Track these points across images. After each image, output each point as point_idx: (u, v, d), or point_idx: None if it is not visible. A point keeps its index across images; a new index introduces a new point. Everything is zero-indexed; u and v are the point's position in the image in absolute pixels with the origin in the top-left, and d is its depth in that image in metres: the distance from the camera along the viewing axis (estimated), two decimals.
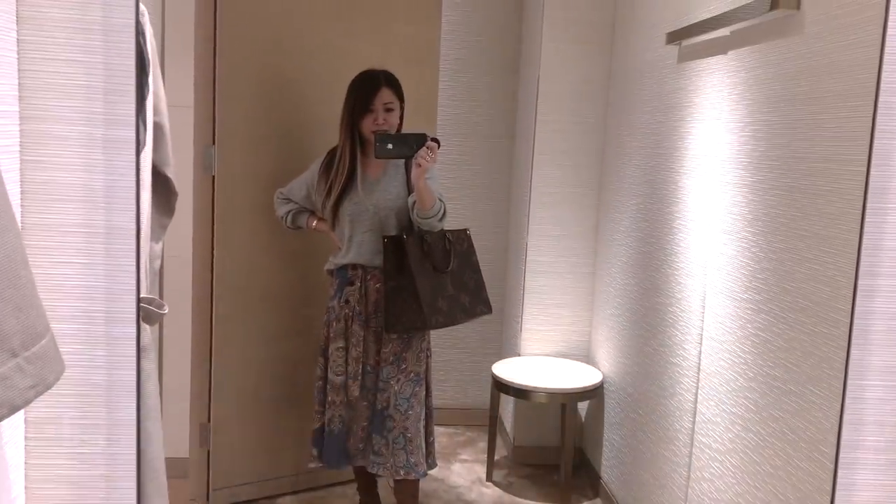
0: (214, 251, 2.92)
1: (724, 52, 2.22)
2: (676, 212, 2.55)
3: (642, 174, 2.90)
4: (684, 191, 2.49)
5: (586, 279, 3.49)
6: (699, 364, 2.32)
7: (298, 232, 2.84)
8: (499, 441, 3.56)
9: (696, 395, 2.34)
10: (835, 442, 1.58)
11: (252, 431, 3.06)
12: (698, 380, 2.33)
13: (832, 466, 1.57)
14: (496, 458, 3.45)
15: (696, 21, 2.35)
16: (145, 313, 1.46)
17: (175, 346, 3.09)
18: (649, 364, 2.76)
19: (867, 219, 1.37)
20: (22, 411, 1.22)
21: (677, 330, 2.50)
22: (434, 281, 2.58)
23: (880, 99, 1.39)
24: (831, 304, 1.63)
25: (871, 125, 1.41)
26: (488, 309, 2.76)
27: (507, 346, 3.82)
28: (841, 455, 1.38)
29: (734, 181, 2.13)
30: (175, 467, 2.91)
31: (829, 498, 1.53)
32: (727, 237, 2.16)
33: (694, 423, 2.34)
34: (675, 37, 2.51)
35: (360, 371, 2.62)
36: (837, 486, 1.37)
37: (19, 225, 1.17)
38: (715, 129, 2.27)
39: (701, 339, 2.32)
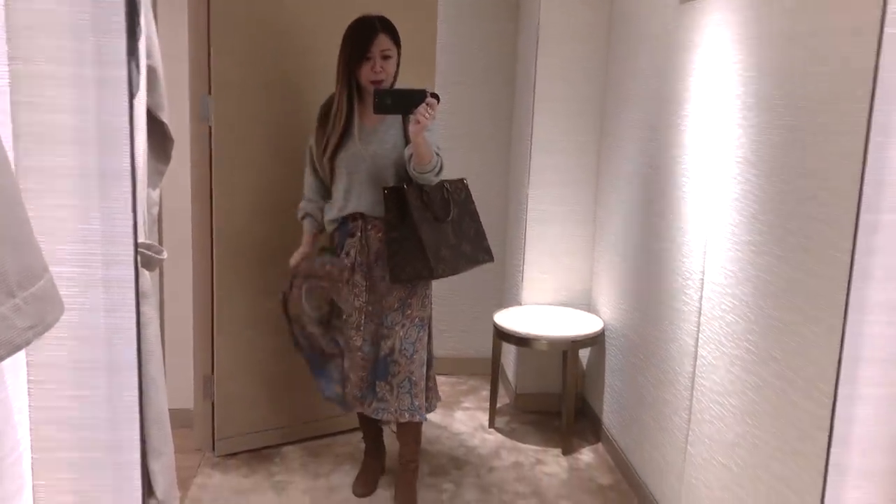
0: (213, 202, 2.91)
1: None
2: (678, 155, 2.53)
3: (644, 118, 2.87)
4: (686, 134, 2.47)
5: (587, 227, 3.48)
6: (700, 308, 2.33)
7: (297, 181, 2.81)
8: (500, 389, 3.59)
9: (696, 338, 2.35)
10: (833, 379, 1.59)
11: (255, 382, 3.09)
12: (699, 324, 2.33)
13: (830, 403, 1.58)
14: (498, 405, 3.48)
15: None
16: (144, 259, 1.46)
17: (177, 299, 3.10)
18: (650, 310, 2.77)
19: (870, 154, 1.36)
20: (23, 353, 1.22)
21: (679, 275, 2.50)
22: (436, 230, 2.58)
23: (885, 32, 1.36)
24: (833, 242, 1.62)
25: (875, 60, 1.39)
26: (490, 257, 2.75)
27: (508, 296, 3.83)
28: (840, 390, 1.39)
29: (737, 122, 2.10)
30: (180, 418, 2.95)
31: (826, 435, 1.54)
32: (730, 180, 2.14)
33: (695, 366, 2.36)
34: None
35: (361, 321, 2.63)
36: (836, 420, 1.38)
37: (13, 167, 1.16)
38: (717, 69, 2.24)
39: (702, 283, 2.32)
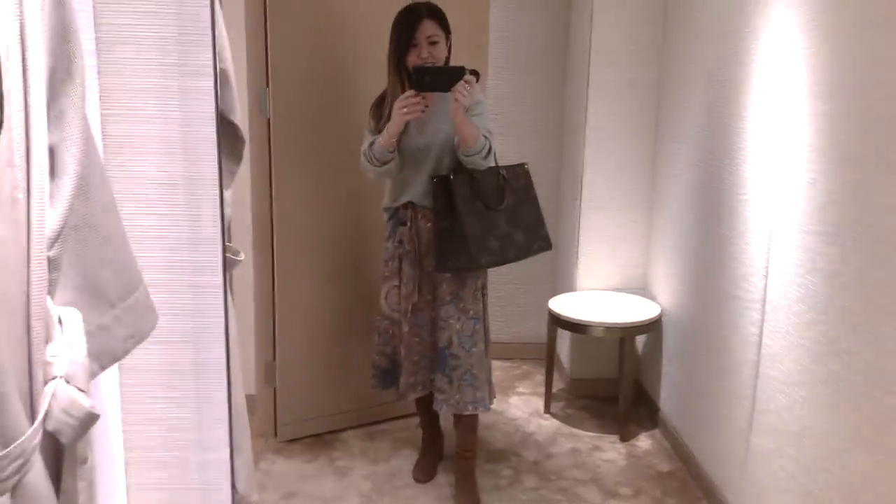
0: (273, 192, 2.95)
1: None
2: (740, 142, 2.49)
3: (702, 103, 2.83)
4: (748, 121, 2.43)
5: (643, 212, 3.45)
6: (765, 297, 2.30)
7: (354, 171, 2.80)
8: (555, 375, 3.59)
9: (761, 327, 2.32)
10: None
11: (316, 368, 3.14)
12: (763, 312, 2.31)
13: None
14: (553, 391, 3.49)
15: None
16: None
17: (238, 287, 3.14)
18: (710, 297, 2.74)
19: None
20: None
21: (740, 263, 2.47)
22: (485, 220, 2.56)
23: None
24: None
25: None
26: (547, 245, 2.74)
27: (561, 281, 3.82)
28: None
29: (804, 110, 2.06)
30: None
31: None
32: (796, 168, 2.11)
33: (759, 355, 2.33)
34: None
35: (409, 309, 2.65)
36: None
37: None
38: (781, 55, 2.19)
39: (767, 271, 2.29)
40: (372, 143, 2.58)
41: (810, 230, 2.03)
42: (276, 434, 3.14)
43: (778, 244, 2.22)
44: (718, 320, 2.65)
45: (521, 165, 2.71)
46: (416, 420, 3.07)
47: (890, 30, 1.69)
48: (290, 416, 3.13)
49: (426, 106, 2.48)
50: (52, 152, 0.93)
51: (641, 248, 3.48)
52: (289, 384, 3.10)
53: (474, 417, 2.76)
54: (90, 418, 0.88)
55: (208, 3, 1.15)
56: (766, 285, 2.29)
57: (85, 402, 0.87)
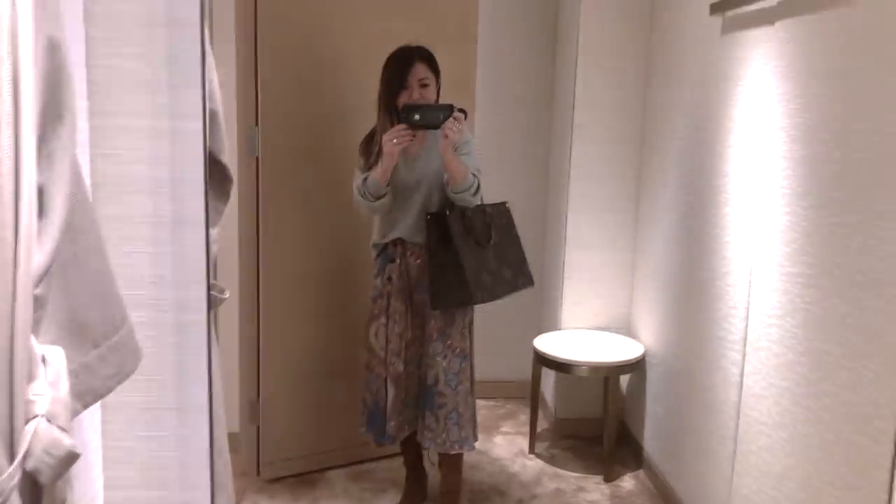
0: (260, 230, 2.96)
1: (770, 22, 2.19)
2: (721, 185, 2.53)
3: (685, 147, 2.88)
4: (730, 164, 2.48)
5: (627, 252, 3.48)
6: (745, 338, 2.32)
7: (342, 210, 2.84)
8: (539, 414, 3.59)
9: (742, 368, 2.34)
10: (890, 416, 1.58)
11: (300, 407, 3.12)
12: (744, 353, 2.33)
13: (887, 441, 1.57)
14: (538, 430, 3.48)
15: None
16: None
17: (223, 324, 3.14)
18: (693, 337, 2.76)
19: None
20: None
21: (723, 303, 2.50)
22: (477, 256, 2.61)
23: None
24: (885, 278, 1.62)
25: None
26: (530, 282, 2.78)
27: (546, 320, 3.83)
28: None
29: (782, 154, 2.11)
30: None
31: (885, 473, 1.54)
32: (775, 211, 2.15)
33: (740, 396, 2.35)
34: (718, 7, 2.48)
35: (401, 347, 2.65)
36: None
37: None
38: (761, 101, 2.25)
39: (748, 313, 2.31)
40: (366, 179, 2.61)
41: (789, 272, 2.06)
42: (258, 473, 3.11)
43: (758, 285, 2.25)
44: (701, 360, 2.67)
45: (503, 203, 2.75)
46: (400, 460, 3.05)
47: (863, 79, 1.74)
48: (273, 454, 3.11)
49: (414, 135, 2.51)
50: (41, 192, 0.94)
51: (625, 288, 3.51)
52: (272, 422, 3.09)
53: (459, 457, 2.75)
54: (71, 458, 0.88)
55: (199, 45, 1.17)
56: (746, 326, 2.32)
57: (66, 442, 0.88)
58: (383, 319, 2.68)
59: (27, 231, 0.90)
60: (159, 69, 1.19)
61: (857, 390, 1.73)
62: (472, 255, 2.58)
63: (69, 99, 0.95)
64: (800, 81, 2.03)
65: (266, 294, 3.00)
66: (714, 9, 2.50)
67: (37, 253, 0.93)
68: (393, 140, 2.50)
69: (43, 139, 0.93)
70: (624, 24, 3.31)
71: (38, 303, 0.94)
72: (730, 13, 2.45)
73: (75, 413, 1.04)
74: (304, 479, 3.12)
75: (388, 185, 2.58)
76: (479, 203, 2.63)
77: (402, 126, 2.50)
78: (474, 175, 2.56)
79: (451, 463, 2.75)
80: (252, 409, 3.08)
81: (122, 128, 1.20)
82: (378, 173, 2.55)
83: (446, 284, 2.58)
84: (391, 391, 2.67)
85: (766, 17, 2.22)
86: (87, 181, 1.22)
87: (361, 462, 3.25)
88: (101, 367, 1.06)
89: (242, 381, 3.10)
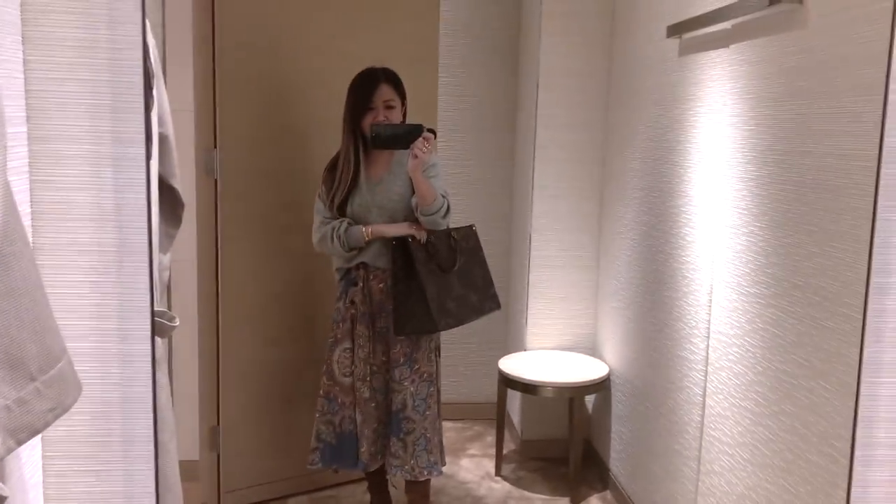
0: (219, 254, 2.92)
1: (725, 45, 2.22)
2: (681, 205, 2.55)
3: (645, 167, 2.89)
4: (689, 184, 2.49)
5: (590, 272, 3.49)
6: (707, 357, 2.33)
7: (303, 232, 2.80)
8: (506, 435, 3.57)
9: (704, 388, 2.35)
10: (847, 436, 1.58)
11: (262, 433, 3.07)
12: (706, 373, 2.33)
13: (845, 461, 1.57)
14: (504, 452, 3.46)
15: (696, 14, 2.34)
16: (157, 327, 1.46)
17: (183, 350, 3.09)
18: (656, 357, 2.76)
19: (879, 215, 1.37)
20: None
21: (684, 324, 2.51)
22: (441, 282, 2.58)
23: (890, 95, 1.38)
24: (841, 299, 1.63)
25: (881, 120, 1.41)
26: (497, 305, 2.76)
27: (512, 341, 3.82)
28: (857, 452, 1.38)
29: (739, 175, 2.13)
30: (186, 470, 2.90)
31: (842, 493, 1.54)
32: (733, 231, 2.16)
33: (703, 416, 2.35)
34: (675, 30, 2.50)
35: (367, 372, 2.61)
36: (853, 484, 1.38)
37: (32, 245, 1.17)
38: (718, 122, 2.27)
39: (708, 332, 2.32)
40: (347, 228, 2.58)
41: (748, 292, 2.07)
42: (219, 501, 3.04)
43: (718, 305, 2.26)
44: (665, 380, 2.67)
45: (470, 227, 2.74)
46: (364, 485, 3.01)
47: (815, 100, 1.76)
48: (234, 482, 3.04)
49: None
50: None
51: (590, 308, 3.51)
52: (233, 450, 3.02)
53: (427, 482, 2.71)
54: None
55: (140, 69, 1.14)
56: (707, 346, 2.32)
57: None
58: (348, 344, 2.64)
59: None
60: (100, 94, 1.16)
61: (816, 410, 1.74)
62: (435, 282, 2.56)
63: None
64: (754, 103, 2.05)
65: (226, 318, 2.95)
66: (671, 31, 2.52)
67: None
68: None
69: None
70: (584, 47, 3.34)
71: None
72: (686, 35, 2.48)
73: (9, 450, 1.00)
74: None
75: (370, 240, 2.58)
76: (446, 226, 2.61)
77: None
78: (443, 196, 2.54)
79: (420, 489, 2.71)
80: (212, 435, 3.02)
81: (61, 154, 1.17)
82: (370, 232, 2.56)
83: (408, 311, 2.55)
84: (359, 418, 2.62)
85: (720, 40, 2.24)
86: (27, 209, 1.18)
87: (323, 488, 3.20)
88: (38, 401, 1.02)
89: (202, 407, 3.04)
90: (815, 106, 1.76)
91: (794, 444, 1.83)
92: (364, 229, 2.57)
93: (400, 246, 2.55)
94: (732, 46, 2.17)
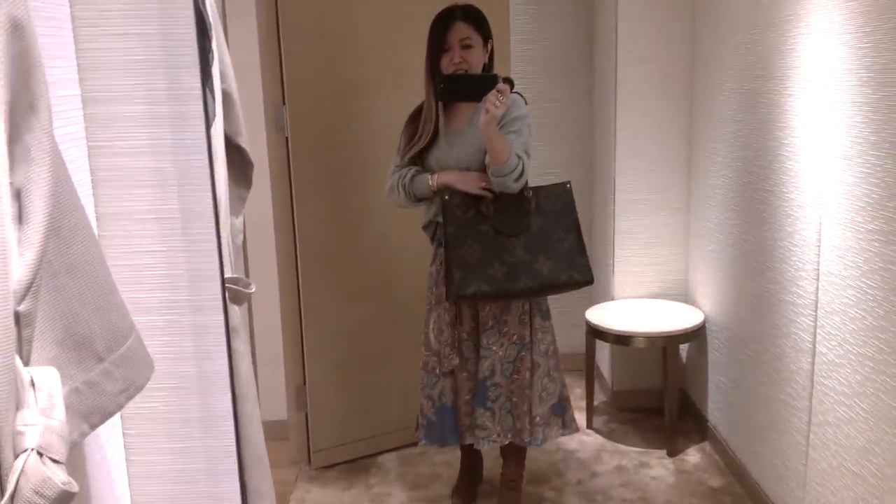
0: (295, 211, 2.86)
1: None
2: (782, 137, 2.34)
3: (739, 98, 2.68)
4: (791, 114, 2.28)
5: (680, 215, 3.30)
6: (816, 301, 2.15)
7: (380, 187, 2.65)
8: (596, 386, 3.45)
9: (814, 334, 2.17)
10: None
11: (348, 391, 3.04)
12: (816, 318, 2.16)
13: None
14: (595, 403, 3.35)
15: None
16: (232, 294, 1.40)
17: (265, 311, 3.07)
18: (757, 302, 2.59)
19: None
20: None
21: (789, 265, 2.32)
22: (491, 245, 2.35)
23: None
24: None
25: None
26: (585, 277, 2.46)
27: (598, 291, 3.67)
28: None
29: (852, 99, 1.91)
30: (274, 430, 2.93)
31: None
32: (846, 163, 1.96)
33: (813, 364, 2.18)
34: None
35: (455, 338, 2.46)
36: None
37: (92, 216, 1.11)
38: (825, 42, 2.05)
39: (818, 274, 2.13)
40: (413, 176, 2.42)
41: (864, 229, 1.88)
42: (309, 461, 3.04)
43: (829, 245, 2.07)
44: (767, 326, 2.50)
45: (563, 185, 2.48)
46: None
47: None
48: (323, 441, 3.03)
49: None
50: (19, 195, 0.84)
51: (680, 253, 3.33)
52: (320, 409, 3.01)
53: (523, 449, 2.61)
54: (64, 498, 0.78)
55: (192, 20, 1.05)
56: (817, 289, 2.14)
57: (59, 479, 0.77)
58: (440, 310, 2.47)
59: (2, 242, 0.79)
60: (153, 50, 1.07)
61: None
62: (478, 245, 2.34)
63: (41, 86, 0.84)
64: (869, 17, 1.82)
65: (305, 278, 2.90)
66: None
67: (17, 264, 0.83)
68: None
69: (15, 136, 0.83)
70: None
71: (25, 320, 0.84)
72: None
73: (82, 435, 0.95)
74: (357, 465, 3.05)
75: (435, 194, 2.42)
76: (517, 190, 2.34)
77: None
78: (519, 157, 2.29)
79: (514, 452, 2.60)
80: (299, 395, 3.01)
81: (118, 116, 1.09)
82: (436, 180, 2.38)
83: (447, 276, 2.38)
84: (452, 387, 2.49)
85: None
86: (87, 177, 1.11)
87: (414, 444, 3.15)
88: (108, 383, 0.96)
89: (287, 367, 3.03)
90: None
91: None
92: (430, 178, 2.41)
93: (453, 200, 2.36)
94: None
